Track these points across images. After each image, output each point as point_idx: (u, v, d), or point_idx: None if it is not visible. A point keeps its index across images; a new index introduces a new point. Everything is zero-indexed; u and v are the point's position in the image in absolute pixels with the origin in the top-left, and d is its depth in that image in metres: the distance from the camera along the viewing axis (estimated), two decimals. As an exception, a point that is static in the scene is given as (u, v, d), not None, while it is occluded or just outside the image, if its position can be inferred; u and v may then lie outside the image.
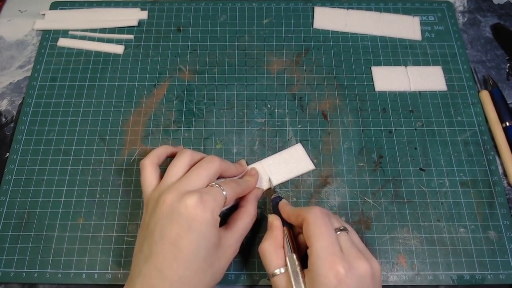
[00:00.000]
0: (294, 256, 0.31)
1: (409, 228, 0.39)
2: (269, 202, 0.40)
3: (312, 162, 0.41)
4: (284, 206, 0.35)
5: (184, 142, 0.43)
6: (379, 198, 0.40)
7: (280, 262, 0.31)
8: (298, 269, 0.30)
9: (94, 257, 0.38)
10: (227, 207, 0.37)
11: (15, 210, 0.40)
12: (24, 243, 0.38)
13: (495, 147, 0.43)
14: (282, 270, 0.31)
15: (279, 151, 0.42)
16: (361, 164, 0.42)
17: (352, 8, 0.51)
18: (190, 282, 0.29)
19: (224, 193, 0.32)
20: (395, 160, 0.42)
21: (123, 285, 0.37)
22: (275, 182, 0.40)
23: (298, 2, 0.52)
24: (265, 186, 0.40)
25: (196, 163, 0.34)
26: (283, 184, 0.41)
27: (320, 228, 0.29)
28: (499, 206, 0.40)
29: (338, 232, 0.30)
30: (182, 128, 0.44)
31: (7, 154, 0.43)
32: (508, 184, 0.41)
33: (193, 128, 0.44)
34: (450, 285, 0.37)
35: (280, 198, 0.37)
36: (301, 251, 0.32)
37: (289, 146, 0.42)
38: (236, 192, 0.34)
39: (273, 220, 0.34)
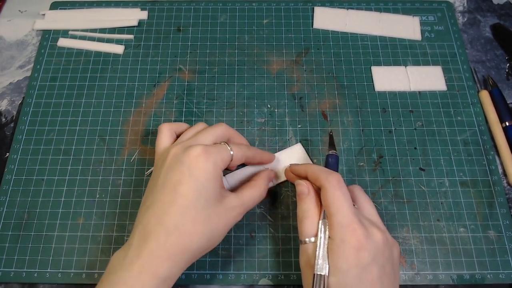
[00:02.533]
0: (327, 222, 0.31)
1: (409, 227, 0.39)
2: (270, 201, 0.40)
3: (312, 162, 0.42)
4: (297, 166, 0.36)
5: (184, 142, 0.43)
6: (379, 198, 0.40)
7: (314, 231, 0.31)
8: (328, 236, 0.30)
9: (94, 257, 0.38)
10: (235, 167, 0.37)
11: (15, 210, 0.40)
12: (24, 243, 0.38)
13: (495, 147, 0.43)
14: (312, 239, 0.31)
15: (279, 151, 0.42)
16: (361, 164, 0.42)
17: (352, 8, 0.51)
18: (186, 231, 0.29)
19: (231, 152, 0.33)
20: (395, 160, 0.42)
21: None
22: (275, 181, 0.40)
23: (298, 2, 0.52)
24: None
25: None
26: (283, 184, 0.41)
27: (339, 199, 0.30)
28: (499, 206, 0.40)
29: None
30: (182, 128, 0.44)
31: (7, 154, 0.43)
32: (508, 183, 0.41)
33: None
34: (450, 284, 0.37)
35: (336, 157, 0.38)
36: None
37: (289, 146, 0.42)
38: (246, 154, 0.35)
39: (309, 186, 0.33)
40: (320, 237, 0.30)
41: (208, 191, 0.30)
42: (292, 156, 0.42)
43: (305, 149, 0.42)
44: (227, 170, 0.40)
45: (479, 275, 0.37)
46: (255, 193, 0.35)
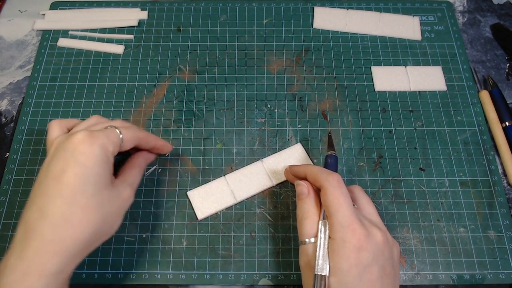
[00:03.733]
0: (327, 223, 0.31)
1: (409, 227, 0.39)
2: (270, 201, 0.40)
3: (312, 162, 0.42)
4: (295, 166, 0.36)
5: (184, 141, 0.43)
6: (379, 198, 0.40)
7: (314, 232, 0.31)
8: (326, 239, 0.30)
9: (94, 257, 0.38)
10: (126, 149, 0.34)
11: (15, 210, 0.40)
12: (24, 243, 0.38)
13: (495, 147, 0.43)
14: (312, 240, 0.31)
15: (279, 151, 0.42)
16: (361, 164, 0.42)
17: (352, 8, 0.51)
18: (75, 220, 0.27)
19: (120, 135, 0.31)
20: (395, 160, 0.42)
21: (123, 285, 0.37)
22: (275, 181, 0.40)
23: (298, 2, 0.52)
24: (266, 184, 0.40)
25: None
26: (283, 184, 0.41)
27: (339, 199, 0.30)
28: (499, 206, 0.40)
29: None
30: (182, 128, 0.44)
31: (7, 154, 0.43)
32: (508, 183, 0.41)
33: (193, 128, 0.44)
34: (450, 284, 0.37)
35: (335, 157, 0.37)
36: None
37: (289, 146, 0.42)
38: (137, 134, 0.33)
39: (309, 187, 0.33)
40: (320, 238, 0.30)
41: (97, 176, 0.28)
42: (292, 156, 0.42)
43: (305, 149, 0.42)
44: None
45: (479, 275, 0.37)
46: (138, 172, 0.35)
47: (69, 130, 0.34)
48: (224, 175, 0.41)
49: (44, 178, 0.28)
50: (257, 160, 0.42)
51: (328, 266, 0.29)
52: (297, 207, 0.33)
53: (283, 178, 0.40)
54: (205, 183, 0.40)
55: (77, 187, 0.27)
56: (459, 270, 0.37)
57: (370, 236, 0.29)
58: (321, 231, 0.30)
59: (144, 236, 0.38)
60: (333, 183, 0.30)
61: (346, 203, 0.30)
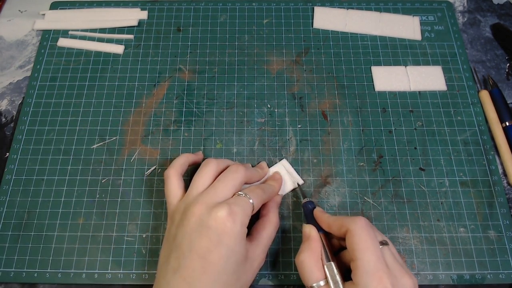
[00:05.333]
0: (333, 265, 0.30)
1: (409, 227, 0.39)
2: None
3: (301, 176, 0.41)
4: (322, 214, 0.34)
5: (184, 142, 0.43)
6: (379, 198, 0.40)
7: (320, 275, 0.30)
8: (338, 278, 0.29)
9: (94, 257, 0.38)
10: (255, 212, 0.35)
11: (15, 210, 0.40)
12: (24, 243, 0.38)
13: (495, 147, 0.43)
14: (322, 283, 0.30)
15: (279, 151, 0.42)
16: (361, 164, 0.42)
17: (352, 8, 0.51)
18: None
19: (251, 201, 0.32)
20: (395, 160, 0.42)
21: (123, 285, 0.37)
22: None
23: (298, 2, 0.52)
24: (286, 189, 0.40)
25: (222, 171, 0.34)
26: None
27: (366, 242, 0.28)
28: (499, 206, 0.40)
29: (381, 246, 0.29)
30: (182, 128, 0.44)
31: (7, 154, 0.43)
32: (508, 183, 0.41)
33: (193, 128, 0.44)
34: (450, 284, 0.37)
35: (313, 204, 0.36)
36: (340, 263, 0.31)
37: (288, 147, 0.42)
38: (263, 199, 0.34)
39: (311, 230, 0.33)
40: (330, 283, 0.29)
41: (237, 254, 0.29)
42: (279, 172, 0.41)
43: (290, 164, 0.41)
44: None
45: (479, 275, 0.37)
46: (270, 230, 0.34)
47: (183, 175, 0.36)
48: None
49: (188, 251, 0.29)
50: (256, 160, 0.42)
51: None
52: (300, 250, 0.32)
53: (285, 192, 0.40)
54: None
55: (221, 266, 0.29)
56: (459, 270, 0.37)
57: (399, 284, 0.27)
58: (329, 275, 0.29)
59: (144, 236, 0.38)
60: (360, 225, 0.29)
61: (373, 246, 0.28)
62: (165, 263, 0.30)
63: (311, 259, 0.31)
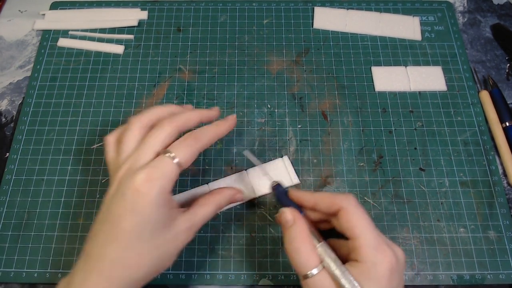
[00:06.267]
0: (327, 244, 0.29)
1: (409, 228, 0.39)
2: (270, 201, 0.40)
3: (297, 176, 0.41)
4: (302, 193, 0.32)
5: (184, 142, 0.43)
6: (379, 198, 0.40)
7: (317, 259, 0.28)
8: (336, 257, 0.28)
9: (94, 257, 0.38)
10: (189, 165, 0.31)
11: (15, 210, 0.40)
12: (24, 243, 0.38)
13: (495, 147, 0.43)
14: (321, 267, 0.27)
15: (279, 151, 0.42)
16: (361, 164, 0.42)
17: (352, 8, 0.51)
18: (131, 264, 0.28)
19: (176, 160, 0.29)
20: (395, 160, 0.42)
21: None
22: (258, 193, 0.40)
23: (298, 2, 0.52)
24: (249, 195, 0.40)
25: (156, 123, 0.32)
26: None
27: (365, 219, 0.28)
28: (499, 206, 0.40)
29: None
30: (182, 128, 0.44)
31: (7, 154, 0.43)
32: (508, 184, 0.41)
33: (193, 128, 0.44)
34: (450, 285, 0.37)
35: (282, 186, 0.33)
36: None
37: (276, 158, 0.42)
38: (195, 148, 0.30)
39: (294, 213, 0.30)
40: (329, 264, 0.27)
41: (154, 223, 0.28)
42: (276, 169, 0.41)
43: (296, 159, 0.41)
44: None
45: (479, 275, 0.37)
46: (209, 210, 0.32)
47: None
48: (207, 183, 0.40)
49: (105, 217, 0.29)
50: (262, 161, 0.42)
51: None
52: (285, 238, 0.30)
53: (267, 191, 0.40)
54: (195, 187, 0.40)
55: (133, 234, 0.28)
56: (459, 270, 0.37)
57: (397, 256, 0.27)
58: (326, 256, 0.28)
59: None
60: (353, 203, 0.29)
61: (371, 223, 0.28)
62: (91, 227, 0.30)
63: (305, 243, 0.28)
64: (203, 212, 0.32)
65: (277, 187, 0.33)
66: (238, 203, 0.39)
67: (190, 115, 0.32)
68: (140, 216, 0.27)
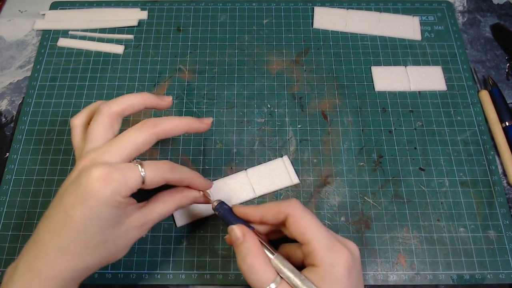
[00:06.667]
0: (283, 258, 0.28)
1: (409, 227, 0.39)
2: (270, 202, 0.40)
3: (297, 176, 0.41)
4: (246, 209, 0.31)
5: (184, 142, 0.43)
6: (379, 198, 0.40)
7: (273, 273, 0.27)
8: (293, 267, 0.28)
9: (94, 257, 0.38)
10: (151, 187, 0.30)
11: (15, 210, 0.40)
12: (24, 243, 0.38)
13: (495, 147, 0.43)
14: (278, 280, 0.27)
15: (279, 151, 0.42)
16: (361, 163, 0.42)
17: (352, 8, 0.51)
18: (78, 253, 0.27)
19: (143, 174, 0.28)
20: (395, 159, 0.42)
21: (123, 285, 0.37)
22: (258, 193, 0.40)
23: (298, 2, 0.52)
24: (249, 195, 0.40)
25: (129, 110, 0.31)
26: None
27: (313, 221, 0.28)
28: (499, 206, 0.40)
29: None
30: (182, 128, 0.44)
31: (7, 154, 0.43)
32: (508, 183, 0.41)
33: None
34: (450, 284, 0.37)
35: (225, 203, 0.32)
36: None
37: (276, 158, 0.42)
38: (165, 177, 0.30)
39: (243, 229, 0.29)
40: (287, 274, 0.27)
41: (103, 220, 0.27)
42: (276, 168, 0.41)
43: (297, 158, 0.42)
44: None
45: (479, 275, 0.37)
46: (165, 209, 0.31)
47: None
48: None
49: (57, 203, 0.28)
50: (256, 161, 0.42)
51: None
52: (237, 256, 0.29)
53: (267, 191, 0.40)
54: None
55: (81, 226, 0.27)
56: (459, 270, 0.37)
57: (352, 252, 0.27)
58: (283, 267, 0.27)
59: (144, 236, 0.38)
60: (299, 207, 0.28)
61: (320, 224, 0.28)
62: (47, 210, 0.29)
63: (258, 258, 0.28)
64: (160, 209, 0.31)
65: (220, 206, 0.32)
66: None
67: (176, 124, 0.31)
68: (89, 210, 0.27)
